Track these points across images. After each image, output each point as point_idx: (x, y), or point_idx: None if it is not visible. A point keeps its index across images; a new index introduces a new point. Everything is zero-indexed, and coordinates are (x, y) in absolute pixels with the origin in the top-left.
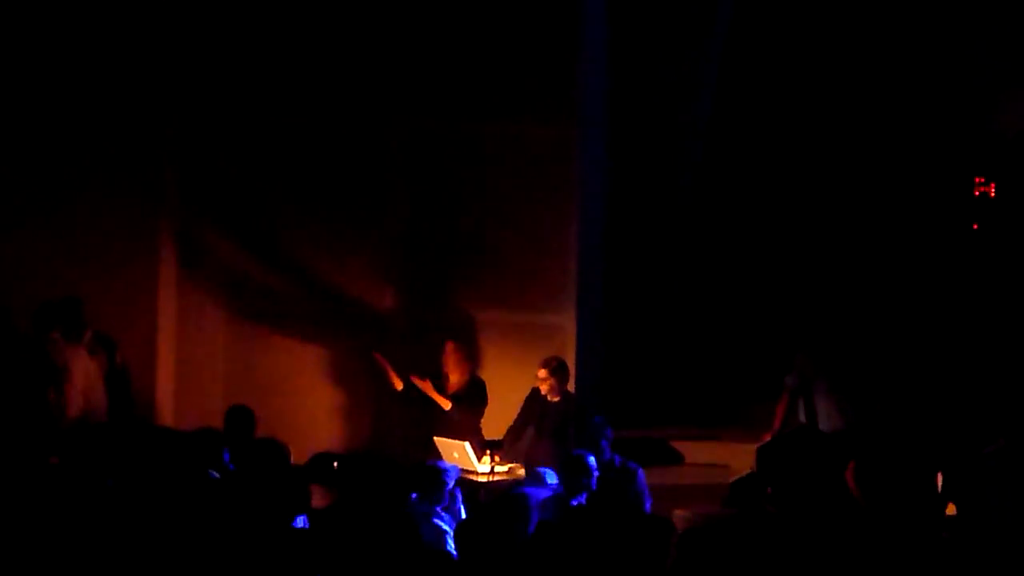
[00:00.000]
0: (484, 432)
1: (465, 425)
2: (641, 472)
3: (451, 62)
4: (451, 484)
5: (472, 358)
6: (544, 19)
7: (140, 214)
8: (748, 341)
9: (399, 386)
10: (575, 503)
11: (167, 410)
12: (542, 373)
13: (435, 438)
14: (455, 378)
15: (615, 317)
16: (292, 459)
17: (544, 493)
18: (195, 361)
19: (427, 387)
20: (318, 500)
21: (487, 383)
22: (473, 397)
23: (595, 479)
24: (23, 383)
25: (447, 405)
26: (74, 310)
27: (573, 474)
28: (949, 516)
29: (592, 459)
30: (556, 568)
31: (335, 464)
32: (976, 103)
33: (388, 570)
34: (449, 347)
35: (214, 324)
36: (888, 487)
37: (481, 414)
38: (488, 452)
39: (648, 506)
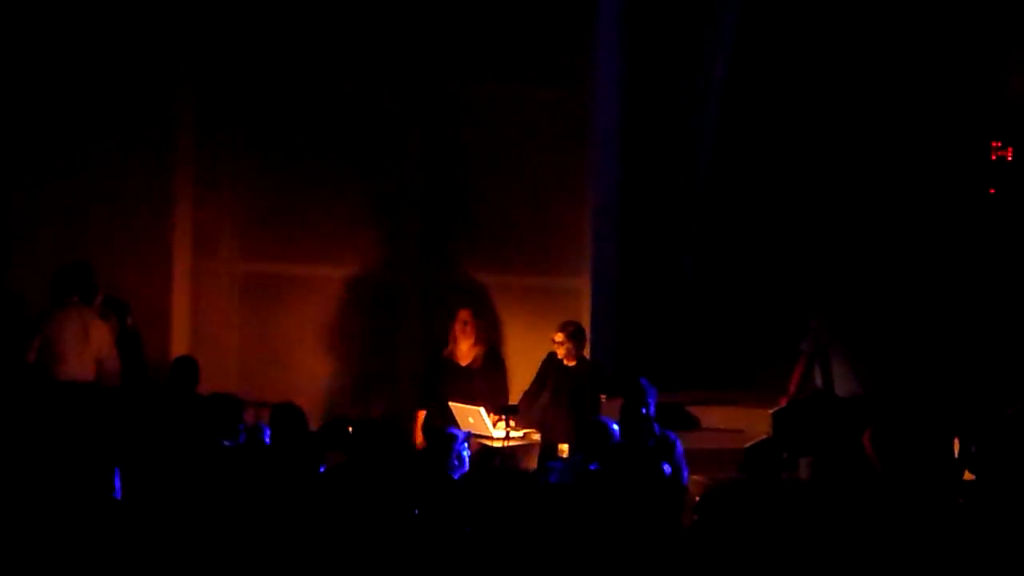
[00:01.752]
0: None
1: (488, 394)
2: (680, 443)
3: (466, 24)
4: (459, 449)
5: (488, 328)
6: None
7: (154, 179)
8: (764, 305)
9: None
10: (593, 468)
11: None
12: (559, 337)
13: (450, 403)
14: (467, 347)
15: (630, 280)
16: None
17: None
18: (210, 327)
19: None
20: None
21: (502, 348)
22: (491, 367)
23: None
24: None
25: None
26: (84, 273)
27: (591, 440)
28: (965, 481)
29: (614, 426)
30: (566, 530)
31: (349, 428)
32: (992, 67)
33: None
34: (463, 314)
35: (228, 290)
36: (905, 452)
37: (503, 382)
38: (503, 417)
39: (685, 477)
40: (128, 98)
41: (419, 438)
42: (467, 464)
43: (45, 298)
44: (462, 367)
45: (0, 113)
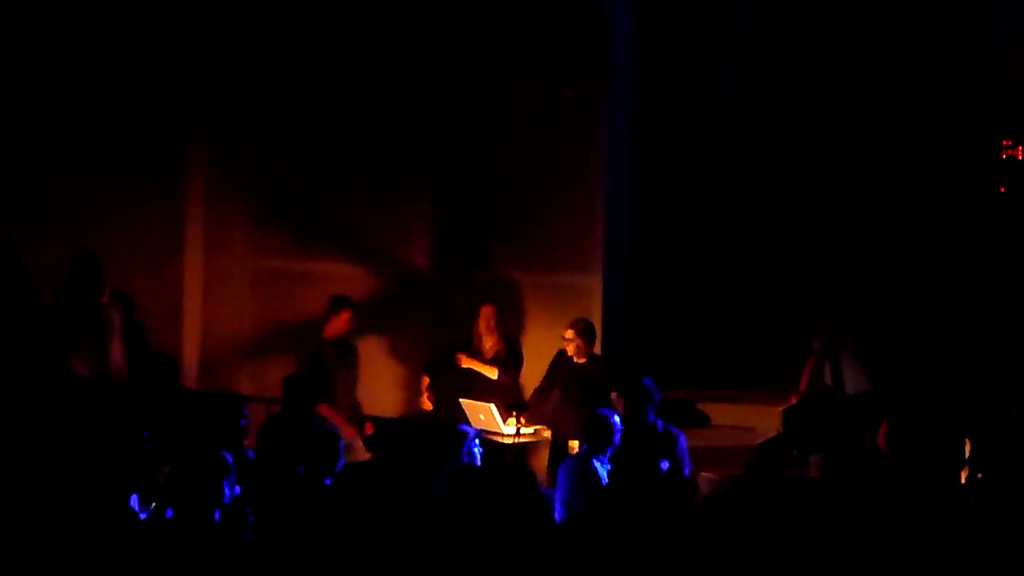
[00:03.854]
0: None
1: (505, 387)
2: (683, 437)
3: (479, 23)
4: (471, 446)
5: (505, 321)
6: None
7: (167, 176)
8: (775, 303)
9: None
10: (595, 462)
11: (192, 371)
12: (569, 334)
13: (461, 400)
14: (489, 342)
15: (641, 278)
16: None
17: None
18: (221, 323)
19: (475, 363)
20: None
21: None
22: (511, 360)
23: (617, 438)
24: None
25: (495, 374)
26: (94, 268)
27: (596, 433)
28: (977, 480)
29: (616, 419)
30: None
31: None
32: (1003, 65)
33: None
34: (487, 311)
35: (240, 286)
36: (920, 450)
37: (519, 375)
38: (514, 414)
39: (687, 471)
40: (141, 96)
41: (426, 403)
42: (478, 461)
43: (59, 295)
44: (484, 360)
45: (16, 113)
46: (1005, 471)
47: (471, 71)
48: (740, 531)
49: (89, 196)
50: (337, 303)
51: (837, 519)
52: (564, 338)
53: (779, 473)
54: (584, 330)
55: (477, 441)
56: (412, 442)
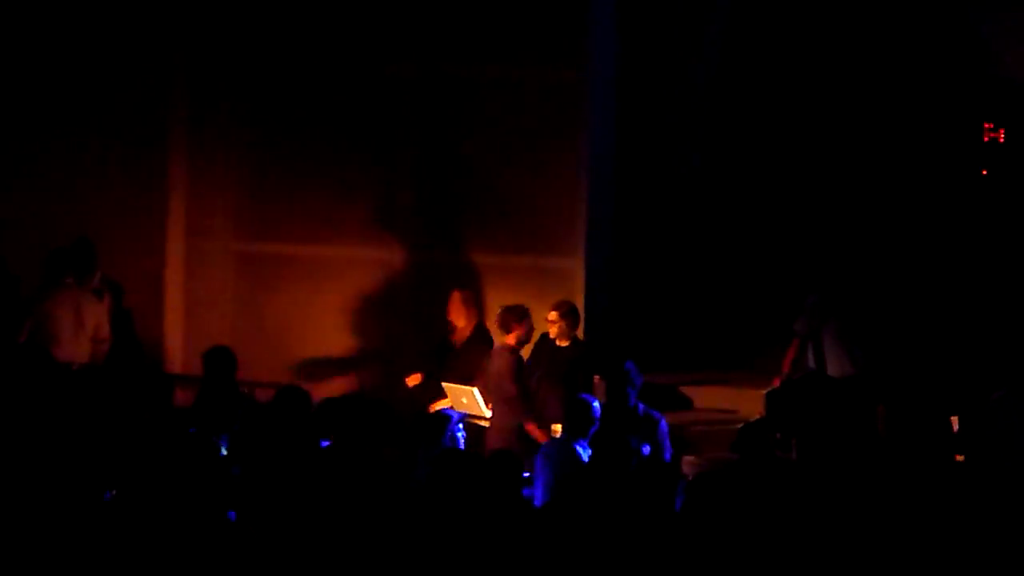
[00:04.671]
0: None
1: (473, 370)
2: (664, 421)
3: (461, 4)
4: (454, 430)
5: (478, 305)
6: None
7: (148, 158)
8: (758, 286)
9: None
10: (577, 447)
11: (175, 352)
12: (552, 316)
13: (444, 383)
14: (461, 326)
15: (624, 261)
16: None
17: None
18: (202, 307)
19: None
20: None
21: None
22: (479, 345)
23: (597, 424)
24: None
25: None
26: (86, 252)
27: (577, 418)
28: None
29: (596, 404)
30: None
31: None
32: (985, 48)
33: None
34: (455, 296)
35: (222, 269)
36: (915, 432)
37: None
38: None
39: (668, 455)
40: (123, 78)
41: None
42: (462, 445)
43: (39, 278)
44: (454, 346)
45: None
46: (988, 454)
47: (453, 52)
48: (726, 514)
49: (70, 179)
50: (523, 313)
51: (813, 501)
52: (548, 320)
53: (768, 456)
54: (568, 312)
55: (460, 426)
56: (360, 422)
